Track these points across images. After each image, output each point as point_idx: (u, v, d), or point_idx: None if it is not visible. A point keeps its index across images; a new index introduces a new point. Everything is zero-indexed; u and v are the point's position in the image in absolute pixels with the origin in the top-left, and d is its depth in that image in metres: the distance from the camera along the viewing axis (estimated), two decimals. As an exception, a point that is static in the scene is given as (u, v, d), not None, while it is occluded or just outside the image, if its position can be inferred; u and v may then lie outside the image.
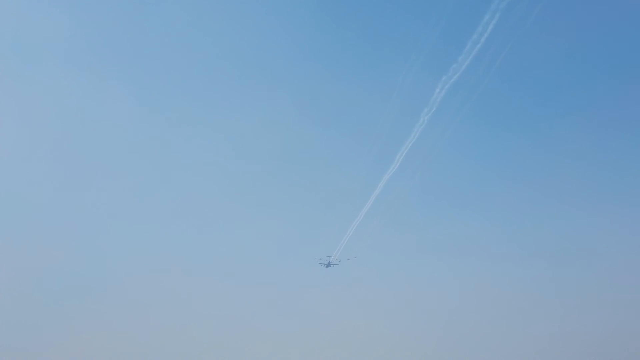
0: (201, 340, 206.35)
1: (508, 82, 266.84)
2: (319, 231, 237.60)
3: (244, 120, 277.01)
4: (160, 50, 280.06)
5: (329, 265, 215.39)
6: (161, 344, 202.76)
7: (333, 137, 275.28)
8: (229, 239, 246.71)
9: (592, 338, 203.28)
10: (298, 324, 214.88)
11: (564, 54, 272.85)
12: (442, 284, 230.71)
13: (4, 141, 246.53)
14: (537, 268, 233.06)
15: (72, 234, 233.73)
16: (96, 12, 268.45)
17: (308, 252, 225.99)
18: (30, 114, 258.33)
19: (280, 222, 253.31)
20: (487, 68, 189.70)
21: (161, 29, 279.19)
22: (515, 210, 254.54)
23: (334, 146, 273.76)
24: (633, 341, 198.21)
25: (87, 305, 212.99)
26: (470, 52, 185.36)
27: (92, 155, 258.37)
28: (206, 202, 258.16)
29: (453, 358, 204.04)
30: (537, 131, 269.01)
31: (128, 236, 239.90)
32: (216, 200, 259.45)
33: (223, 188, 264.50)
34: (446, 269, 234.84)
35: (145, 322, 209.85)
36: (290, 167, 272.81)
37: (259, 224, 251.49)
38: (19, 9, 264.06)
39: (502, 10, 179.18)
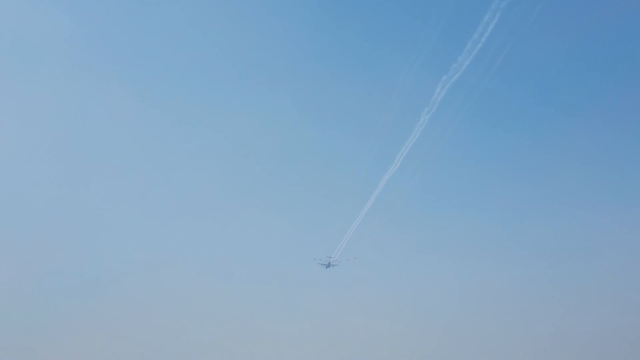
0: (201, 340, 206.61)
1: (508, 82, 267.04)
2: (319, 231, 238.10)
3: (244, 120, 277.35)
4: (160, 50, 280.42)
5: (328, 265, 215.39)
6: (161, 343, 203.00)
7: (333, 137, 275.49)
8: (229, 239, 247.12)
9: (592, 338, 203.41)
10: (298, 324, 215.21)
11: (564, 53, 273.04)
12: (442, 283, 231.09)
13: (4, 141, 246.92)
14: (537, 268, 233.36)
15: (72, 233, 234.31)
16: (96, 12, 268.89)
17: (308, 252, 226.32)
18: (30, 114, 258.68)
19: (280, 222, 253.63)
20: (488, 68, 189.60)
21: (161, 28, 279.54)
22: (515, 210, 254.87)
23: (334, 146, 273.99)
24: (633, 341, 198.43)
25: (87, 305, 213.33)
26: (471, 51, 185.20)
27: (91, 155, 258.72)
28: (206, 202, 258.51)
29: (453, 358, 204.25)
30: (537, 131, 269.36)
31: (128, 236, 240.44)
32: (216, 200, 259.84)
33: (223, 188, 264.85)
34: (446, 269, 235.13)
35: (145, 321, 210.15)
36: (290, 167, 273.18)
37: (258, 224, 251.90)
38: (19, 9, 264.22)
39: (503, 10, 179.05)
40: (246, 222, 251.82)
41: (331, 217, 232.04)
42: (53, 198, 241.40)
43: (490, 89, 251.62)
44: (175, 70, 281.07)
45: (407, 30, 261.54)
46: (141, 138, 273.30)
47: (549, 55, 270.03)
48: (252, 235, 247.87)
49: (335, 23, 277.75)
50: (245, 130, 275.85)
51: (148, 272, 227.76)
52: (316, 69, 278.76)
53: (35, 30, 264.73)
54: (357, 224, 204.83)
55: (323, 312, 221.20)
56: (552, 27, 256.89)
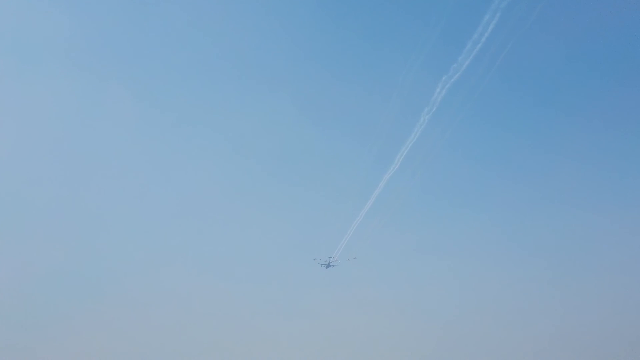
0: (201, 340, 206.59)
1: (508, 81, 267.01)
2: (319, 231, 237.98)
3: (244, 120, 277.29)
4: (160, 50, 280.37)
5: (328, 265, 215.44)
6: (161, 343, 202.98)
7: (333, 137, 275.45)
8: (229, 239, 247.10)
9: (592, 338, 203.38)
10: (298, 324, 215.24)
11: (564, 53, 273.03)
12: (442, 283, 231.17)
13: (4, 141, 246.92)
14: (537, 268, 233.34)
15: (72, 233, 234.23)
16: (96, 12, 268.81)
17: (308, 253, 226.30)
18: (31, 114, 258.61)
19: (280, 222, 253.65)
20: (488, 68, 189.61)
21: (161, 28, 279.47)
22: (515, 210, 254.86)
23: (334, 146, 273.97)
24: (633, 341, 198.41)
25: (87, 305, 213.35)
26: (471, 51, 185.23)
27: (91, 155, 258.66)
28: (206, 202, 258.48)
29: (453, 358, 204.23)
30: (537, 131, 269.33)
31: (128, 236, 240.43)
32: (216, 200, 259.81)
33: (223, 188, 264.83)
34: (446, 269, 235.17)
35: (145, 321, 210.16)
36: (290, 167, 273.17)
37: (258, 224, 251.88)
38: (19, 9, 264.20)
39: (503, 10, 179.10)
40: (246, 222, 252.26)
41: (331, 217, 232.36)
42: (53, 198, 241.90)
43: (490, 89, 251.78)
44: (175, 70, 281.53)
45: (407, 30, 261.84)
46: (141, 138, 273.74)
47: (549, 55, 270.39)
48: (252, 235, 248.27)
49: (335, 23, 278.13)
50: (245, 130, 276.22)
51: (148, 272, 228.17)
52: (316, 69, 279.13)
53: (35, 30, 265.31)
54: (357, 224, 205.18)
55: (323, 312, 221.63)
56: (552, 27, 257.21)
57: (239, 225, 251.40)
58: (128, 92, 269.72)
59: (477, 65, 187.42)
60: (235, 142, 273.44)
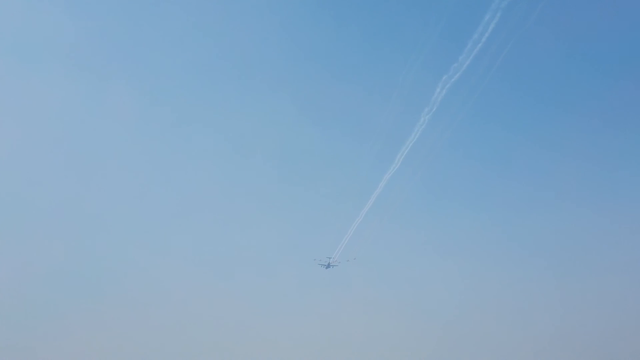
0: (201, 340, 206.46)
1: (509, 81, 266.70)
2: (319, 231, 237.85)
3: (244, 120, 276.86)
4: (160, 50, 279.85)
5: (328, 266, 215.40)
6: (161, 343, 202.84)
7: (333, 136, 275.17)
8: (229, 239, 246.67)
9: (593, 338, 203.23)
10: (298, 324, 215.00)
11: (564, 53, 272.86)
12: (442, 283, 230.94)
13: (5, 141, 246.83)
14: (537, 268, 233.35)
15: (72, 233, 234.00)
16: (96, 11, 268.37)
17: (308, 253, 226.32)
18: (31, 114, 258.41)
19: (280, 222, 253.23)
20: (488, 67, 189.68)
21: (162, 28, 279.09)
22: (516, 210, 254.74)
23: (334, 146, 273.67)
24: (633, 341, 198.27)
25: (87, 305, 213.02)
26: (471, 51, 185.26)
27: (91, 154, 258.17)
28: (206, 202, 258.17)
29: (453, 358, 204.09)
30: (538, 130, 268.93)
31: (128, 236, 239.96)
32: (216, 200, 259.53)
33: (223, 188, 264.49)
34: (446, 269, 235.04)
35: (145, 321, 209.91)
36: (290, 167, 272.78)
37: (258, 224, 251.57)
38: (20, 9, 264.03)
39: (503, 10, 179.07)
40: (246, 222, 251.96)
41: (331, 217, 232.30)
42: (53, 198, 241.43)
43: (491, 88, 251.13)
44: (176, 70, 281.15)
45: (407, 30, 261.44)
46: (140, 138, 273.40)
47: (549, 54, 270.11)
48: (252, 235, 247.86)
49: (335, 23, 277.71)
50: (245, 130, 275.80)
51: (148, 272, 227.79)
52: (316, 69, 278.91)
53: (36, 30, 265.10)
54: (357, 224, 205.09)
55: (323, 312, 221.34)
56: (552, 27, 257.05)
57: (239, 225, 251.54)
58: (128, 91, 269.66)
59: (477, 65, 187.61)
60: (236, 142, 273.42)
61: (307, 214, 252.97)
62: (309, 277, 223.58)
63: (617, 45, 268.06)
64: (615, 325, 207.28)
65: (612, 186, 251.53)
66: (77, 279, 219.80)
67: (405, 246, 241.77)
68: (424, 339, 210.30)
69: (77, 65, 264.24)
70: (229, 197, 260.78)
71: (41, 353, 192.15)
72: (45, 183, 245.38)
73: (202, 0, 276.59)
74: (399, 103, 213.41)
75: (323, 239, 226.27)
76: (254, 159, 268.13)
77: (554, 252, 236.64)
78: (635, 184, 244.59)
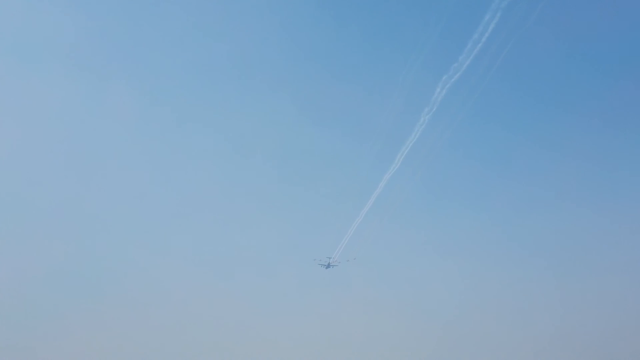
0: (201, 340, 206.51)
1: (509, 81, 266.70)
2: (319, 231, 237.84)
3: (244, 120, 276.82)
4: (160, 50, 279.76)
5: (328, 266, 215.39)
6: (161, 343, 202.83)
7: (333, 136, 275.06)
8: (229, 239, 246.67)
9: (593, 338, 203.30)
10: (298, 324, 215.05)
11: (564, 53, 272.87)
12: (443, 283, 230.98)
13: (5, 141, 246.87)
14: (538, 268, 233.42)
15: (73, 233, 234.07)
16: (96, 11, 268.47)
17: (308, 252, 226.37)
18: (32, 114, 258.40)
19: (280, 222, 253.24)
20: (488, 67, 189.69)
21: (162, 28, 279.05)
22: (516, 210, 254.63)
23: (334, 146, 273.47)
24: (633, 341, 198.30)
25: (88, 305, 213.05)
26: (471, 51, 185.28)
27: (91, 154, 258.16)
28: (205, 202, 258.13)
29: (453, 358, 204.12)
30: (538, 130, 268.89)
31: (128, 235, 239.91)
32: (216, 200, 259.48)
33: (223, 188, 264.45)
34: (447, 269, 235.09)
35: (145, 321, 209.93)
36: (290, 167, 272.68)
37: (258, 223, 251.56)
38: (20, 8, 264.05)
39: (503, 10, 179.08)
40: (246, 222, 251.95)
41: (331, 217, 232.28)
42: (53, 198, 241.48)
43: (491, 88, 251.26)
44: (176, 70, 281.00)
45: (408, 29, 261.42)
46: (140, 138, 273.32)
47: (550, 54, 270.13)
48: (252, 235, 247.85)
49: (335, 23, 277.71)
50: (245, 130, 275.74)
51: (148, 272, 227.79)
52: (316, 69, 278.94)
53: (36, 30, 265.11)
54: (358, 224, 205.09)
55: (323, 312, 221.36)
56: (552, 27, 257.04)
57: (239, 225, 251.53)
58: (128, 91, 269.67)
59: (477, 65, 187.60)
60: (236, 141, 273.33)
61: (307, 214, 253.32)
62: (309, 277, 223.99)
63: (617, 45, 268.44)
64: (615, 325, 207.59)
65: (612, 186, 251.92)
66: (77, 279, 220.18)
67: (405, 246, 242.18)
68: (424, 339, 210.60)
69: (77, 65, 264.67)
70: (229, 197, 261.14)
71: (41, 353, 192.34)
72: (45, 183, 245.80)
73: (202, 0, 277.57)
74: (399, 103, 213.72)
75: (323, 239, 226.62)
76: (254, 159, 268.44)
77: (554, 252, 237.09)
78: (635, 184, 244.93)
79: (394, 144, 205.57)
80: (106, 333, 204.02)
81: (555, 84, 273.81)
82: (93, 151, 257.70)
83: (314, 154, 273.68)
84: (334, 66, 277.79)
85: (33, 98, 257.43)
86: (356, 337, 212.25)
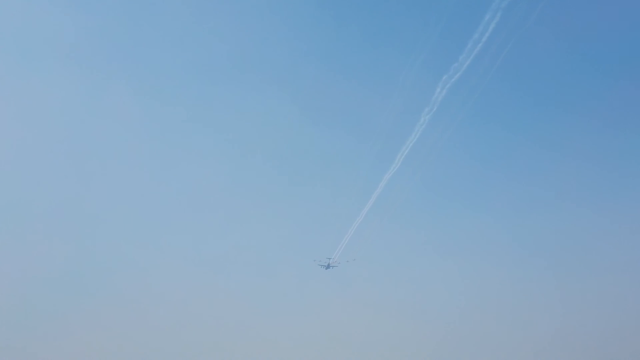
0: (201, 340, 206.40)
1: (509, 81, 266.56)
2: (319, 231, 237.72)
3: (244, 119, 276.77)
4: (160, 49, 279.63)
5: (328, 266, 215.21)
6: (161, 343, 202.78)
7: (333, 136, 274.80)
8: (229, 238, 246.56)
9: (594, 338, 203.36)
10: (298, 325, 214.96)
11: (565, 53, 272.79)
12: (444, 283, 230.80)
13: (6, 140, 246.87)
14: (539, 267, 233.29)
15: (72, 233, 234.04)
16: (96, 11, 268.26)
17: (308, 252, 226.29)
18: (32, 113, 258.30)
19: (280, 222, 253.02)
20: (489, 67, 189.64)
21: (162, 28, 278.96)
22: (517, 209, 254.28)
23: (334, 146, 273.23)
24: (633, 341, 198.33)
25: (87, 305, 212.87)
26: (472, 51, 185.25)
27: (91, 154, 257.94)
28: (206, 201, 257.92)
29: (453, 358, 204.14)
30: (538, 130, 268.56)
31: (128, 235, 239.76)
32: (216, 200, 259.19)
33: (223, 188, 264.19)
34: (447, 269, 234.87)
35: (146, 321, 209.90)
36: (290, 167, 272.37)
37: (258, 223, 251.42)
38: (20, 9, 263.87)
39: (504, 9, 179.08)
40: (246, 222, 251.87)
41: (331, 217, 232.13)
42: (53, 198, 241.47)
43: (491, 88, 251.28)
44: (176, 70, 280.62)
45: (408, 29, 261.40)
46: (140, 137, 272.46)
47: (550, 54, 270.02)
48: (252, 235, 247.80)
49: (335, 23, 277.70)
50: (245, 130, 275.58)
51: (148, 272, 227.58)
52: (317, 69, 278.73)
53: (36, 29, 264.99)
54: (358, 224, 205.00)
55: (323, 312, 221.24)
56: (553, 27, 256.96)
57: (239, 225, 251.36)
58: (128, 91, 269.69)
59: (477, 65, 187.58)
60: (235, 141, 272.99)
61: (307, 213, 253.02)
62: (309, 277, 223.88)
63: (617, 45, 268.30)
64: (615, 325, 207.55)
65: (612, 186, 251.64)
66: (77, 279, 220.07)
67: (405, 246, 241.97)
68: (424, 339, 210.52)
69: (77, 65, 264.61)
70: (229, 196, 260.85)
71: (41, 353, 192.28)
72: (45, 183, 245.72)
73: (202, 0, 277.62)
74: (399, 103, 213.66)
75: (323, 239, 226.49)
76: (254, 159, 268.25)
77: (554, 252, 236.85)
78: (635, 184, 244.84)
79: (394, 143, 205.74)
80: (106, 333, 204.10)
81: (555, 84, 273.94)
82: (93, 151, 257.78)
83: (314, 154, 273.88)
84: (334, 66, 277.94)
85: (33, 98, 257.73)
86: (356, 337, 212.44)
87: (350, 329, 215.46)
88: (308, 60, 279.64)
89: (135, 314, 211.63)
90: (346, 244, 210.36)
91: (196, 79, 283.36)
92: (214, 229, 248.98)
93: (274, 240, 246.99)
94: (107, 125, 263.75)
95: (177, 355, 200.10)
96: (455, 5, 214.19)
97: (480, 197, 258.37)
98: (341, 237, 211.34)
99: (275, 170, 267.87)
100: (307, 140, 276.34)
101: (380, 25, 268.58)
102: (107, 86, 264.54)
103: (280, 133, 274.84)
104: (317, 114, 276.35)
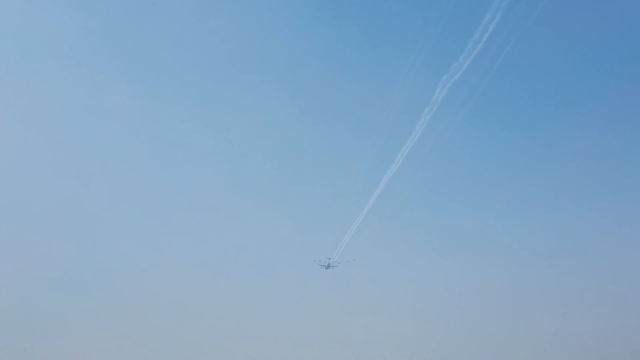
0: (201, 340, 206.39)
1: (510, 81, 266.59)
2: (320, 231, 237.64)
3: (244, 119, 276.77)
4: (161, 49, 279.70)
5: (328, 267, 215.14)
6: (161, 343, 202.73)
7: (334, 136, 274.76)
8: (229, 238, 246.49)
9: (595, 338, 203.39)
10: (298, 325, 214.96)
11: (565, 53, 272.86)
12: (443, 283, 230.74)
13: (5, 140, 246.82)
14: (538, 267, 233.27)
15: (72, 233, 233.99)
16: (96, 10, 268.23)
17: (308, 252, 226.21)
18: (32, 113, 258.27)
19: (280, 222, 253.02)
20: (489, 67, 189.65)
21: (162, 28, 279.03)
22: (516, 210, 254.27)
23: (334, 146, 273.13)
24: (633, 341, 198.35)
25: (87, 305, 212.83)
26: (472, 51, 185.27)
27: (91, 154, 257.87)
28: (206, 201, 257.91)
29: (453, 358, 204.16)
30: (538, 130, 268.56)
31: (128, 235, 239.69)
32: (216, 200, 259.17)
33: (223, 188, 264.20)
34: (447, 269, 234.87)
35: (146, 321, 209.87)
36: (290, 167, 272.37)
37: (258, 223, 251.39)
38: (20, 8, 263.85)
39: (504, 9, 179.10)
40: (246, 222, 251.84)
41: (331, 217, 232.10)
42: (53, 198, 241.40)
43: (491, 88, 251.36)
44: (176, 70, 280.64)
45: (408, 29, 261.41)
46: (140, 137, 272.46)
47: (550, 54, 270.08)
48: (252, 235, 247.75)
49: (335, 23, 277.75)
50: (245, 130, 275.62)
51: (148, 272, 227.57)
52: (317, 69, 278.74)
53: (36, 29, 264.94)
54: (358, 224, 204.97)
55: (323, 312, 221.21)
56: (553, 27, 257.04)
57: (239, 225, 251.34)
58: (128, 91, 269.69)
59: (478, 65, 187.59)
60: (235, 141, 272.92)
61: (307, 213, 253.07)
62: (309, 277, 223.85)
63: (617, 45, 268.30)
64: (615, 325, 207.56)
65: (612, 186, 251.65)
66: (77, 279, 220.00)
67: (405, 246, 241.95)
68: (424, 339, 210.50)
69: (78, 65, 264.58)
70: (229, 196, 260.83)
71: (41, 353, 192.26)
72: (46, 183, 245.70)
73: (202, 0, 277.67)
74: (399, 103, 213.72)
75: (323, 239, 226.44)
76: (254, 159, 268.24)
77: (554, 252, 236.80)
78: (635, 184, 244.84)
79: (394, 143, 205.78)
80: (106, 333, 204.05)
81: (555, 84, 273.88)
82: (93, 151, 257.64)
83: (314, 154, 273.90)
84: (334, 66, 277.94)
85: (33, 98, 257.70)
86: (356, 337, 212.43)
87: (350, 329, 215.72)
88: (308, 60, 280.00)
89: (135, 314, 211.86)
90: (346, 244, 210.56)
91: (196, 79, 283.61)
92: (214, 229, 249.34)
93: (274, 240, 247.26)
94: (107, 125, 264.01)
95: (177, 355, 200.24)
96: (455, 5, 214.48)
97: (480, 197, 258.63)
98: (341, 237, 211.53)
99: (275, 170, 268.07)
100: (307, 140, 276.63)
101: (380, 25, 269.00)
102: (107, 86, 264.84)
103: (280, 133, 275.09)
104: (317, 114, 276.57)
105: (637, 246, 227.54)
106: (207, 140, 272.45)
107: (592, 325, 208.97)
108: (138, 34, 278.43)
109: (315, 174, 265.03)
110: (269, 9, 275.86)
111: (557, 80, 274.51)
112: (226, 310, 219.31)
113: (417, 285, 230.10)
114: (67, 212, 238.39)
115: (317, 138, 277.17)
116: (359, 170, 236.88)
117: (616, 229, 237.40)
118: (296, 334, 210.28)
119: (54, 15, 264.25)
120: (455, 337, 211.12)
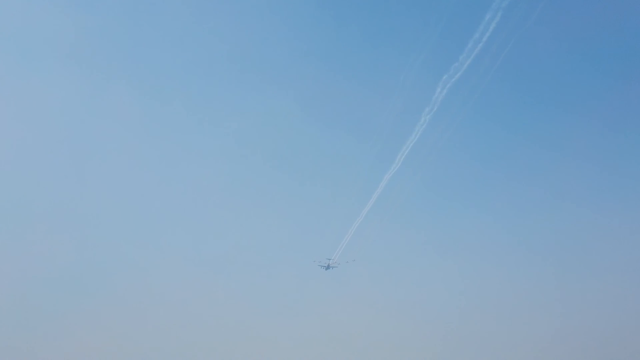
0: (200, 340, 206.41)
1: (510, 81, 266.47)
2: (320, 231, 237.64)
3: (244, 119, 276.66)
4: (161, 48, 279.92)
5: (328, 267, 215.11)
6: (161, 343, 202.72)
7: (334, 136, 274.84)
8: (229, 238, 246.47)
9: (596, 338, 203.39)
10: (298, 325, 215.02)
11: (565, 53, 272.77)
12: (443, 283, 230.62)
13: (5, 140, 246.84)
14: (538, 267, 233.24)
15: (72, 233, 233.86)
16: (97, 10, 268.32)
17: (308, 252, 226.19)
18: (32, 113, 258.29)
19: (280, 222, 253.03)
20: (489, 67, 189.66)
21: (162, 28, 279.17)
22: (517, 209, 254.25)
23: (334, 145, 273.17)
24: (633, 341, 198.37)
25: (87, 305, 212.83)
26: (472, 51, 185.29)
27: (91, 154, 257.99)
28: (205, 201, 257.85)
29: (453, 358, 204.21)
30: (538, 130, 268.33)
31: (128, 235, 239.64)
32: (216, 199, 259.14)
33: (223, 187, 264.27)
34: (447, 269, 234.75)
35: (146, 321, 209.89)
36: (291, 167, 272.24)
37: (258, 223, 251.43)
38: (20, 8, 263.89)
39: (504, 9, 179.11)
40: (246, 222, 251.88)
41: (332, 217, 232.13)
42: (53, 198, 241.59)
43: (491, 88, 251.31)
44: (177, 69, 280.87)
45: (408, 29, 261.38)
46: (141, 137, 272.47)
47: (551, 54, 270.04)
48: (252, 235, 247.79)
49: (335, 23, 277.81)
50: (245, 130, 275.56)
51: (148, 272, 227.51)
52: (317, 69, 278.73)
53: (36, 29, 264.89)
54: (358, 224, 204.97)
55: (323, 312, 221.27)
56: (553, 27, 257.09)
57: (239, 225, 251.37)
58: (128, 90, 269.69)
59: (478, 65, 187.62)
60: (235, 141, 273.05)
61: (307, 213, 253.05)
62: (309, 278, 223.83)
63: (617, 45, 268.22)
64: (615, 325, 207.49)
65: (612, 186, 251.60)
66: (77, 279, 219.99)
67: (405, 246, 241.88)
68: (424, 339, 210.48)
69: (78, 65, 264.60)
70: (229, 196, 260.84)
71: (41, 353, 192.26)
72: (45, 183, 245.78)
73: (202, 0, 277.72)
74: (399, 103, 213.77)
75: (323, 239, 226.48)
76: (254, 159, 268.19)
77: (554, 252, 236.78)
78: (635, 184, 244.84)
79: (394, 143, 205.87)
80: (106, 333, 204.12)
81: (555, 84, 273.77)
82: (93, 151, 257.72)
83: (314, 154, 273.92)
84: (334, 66, 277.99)
85: (33, 98, 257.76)
86: (356, 337, 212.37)
87: (350, 329, 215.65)
88: (308, 60, 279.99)
89: (135, 314, 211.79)
90: (346, 244, 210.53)
91: (196, 79, 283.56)
92: (214, 228, 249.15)
93: (274, 240, 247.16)
94: (107, 125, 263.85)
95: (177, 355, 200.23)
96: (455, 5, 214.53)
97: (480, 197, 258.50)
98: (341, 237, 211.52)
99: (275, 170, 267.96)
100: (307, 140, 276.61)
101: (380, 25, 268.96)
102: (107, 86, 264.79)
103: (280, 133, 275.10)
104: (317, 113, 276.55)
105: (637, 246, 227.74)
106: (207, 140, 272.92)
107: (592, 325, 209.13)
108: (138, 34, 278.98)
109: (316, 174, 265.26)
110: (269, 9, 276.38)
111: (557, 80, 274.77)
112: (226, 310, 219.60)
113: (417, 285, 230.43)
114: (67, 212, 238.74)
115: (317, 138, 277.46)
116: (359, 170, 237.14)
117: (616, 229, 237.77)
118: (296, 334, 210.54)
119: (54, 15, 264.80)
120: (455, 337, 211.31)
